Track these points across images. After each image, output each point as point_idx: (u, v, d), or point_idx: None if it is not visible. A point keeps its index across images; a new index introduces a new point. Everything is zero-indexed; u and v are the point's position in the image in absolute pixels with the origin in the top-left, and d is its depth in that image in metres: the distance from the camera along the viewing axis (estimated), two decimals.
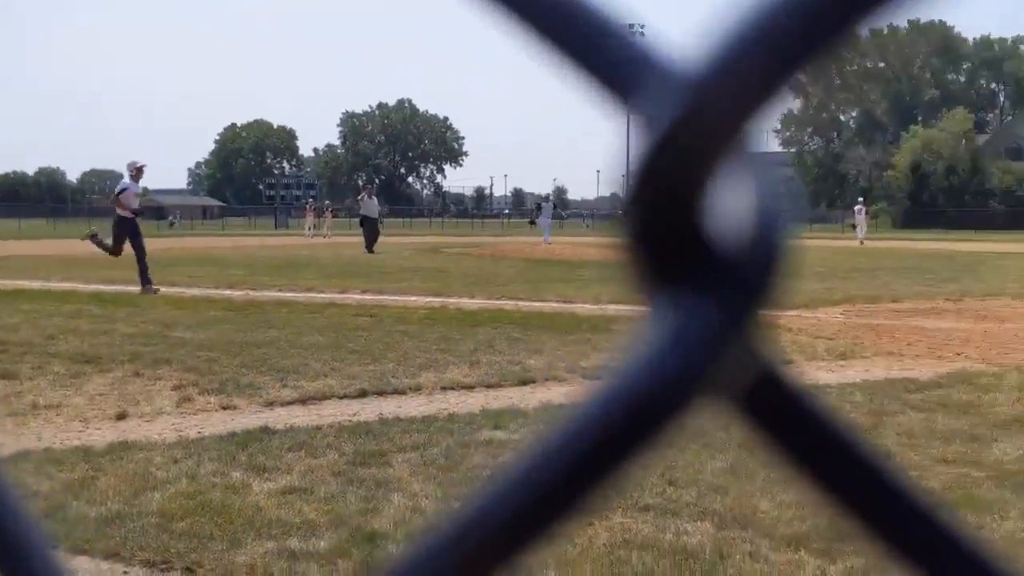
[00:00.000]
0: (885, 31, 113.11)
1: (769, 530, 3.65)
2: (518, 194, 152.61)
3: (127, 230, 13.86)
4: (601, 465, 0.30)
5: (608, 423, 0.30)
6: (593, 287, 14.66)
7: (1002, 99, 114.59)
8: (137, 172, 14.27)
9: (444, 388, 6.57)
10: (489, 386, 6.65)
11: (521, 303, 12.08)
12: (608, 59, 0.29)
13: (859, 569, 3.27)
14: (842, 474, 0.32)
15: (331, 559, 3.45)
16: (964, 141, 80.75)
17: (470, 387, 6.61)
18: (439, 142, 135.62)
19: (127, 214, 13.94)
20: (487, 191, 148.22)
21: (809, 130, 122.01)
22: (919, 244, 38.40)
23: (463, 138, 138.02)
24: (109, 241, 14.25)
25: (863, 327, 9.83)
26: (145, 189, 27.67)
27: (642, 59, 0.29)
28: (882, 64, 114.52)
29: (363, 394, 6.36)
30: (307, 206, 51.73)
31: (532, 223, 32.51)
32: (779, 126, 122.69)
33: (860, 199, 50.86)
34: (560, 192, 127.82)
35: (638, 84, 0.28)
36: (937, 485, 4.22)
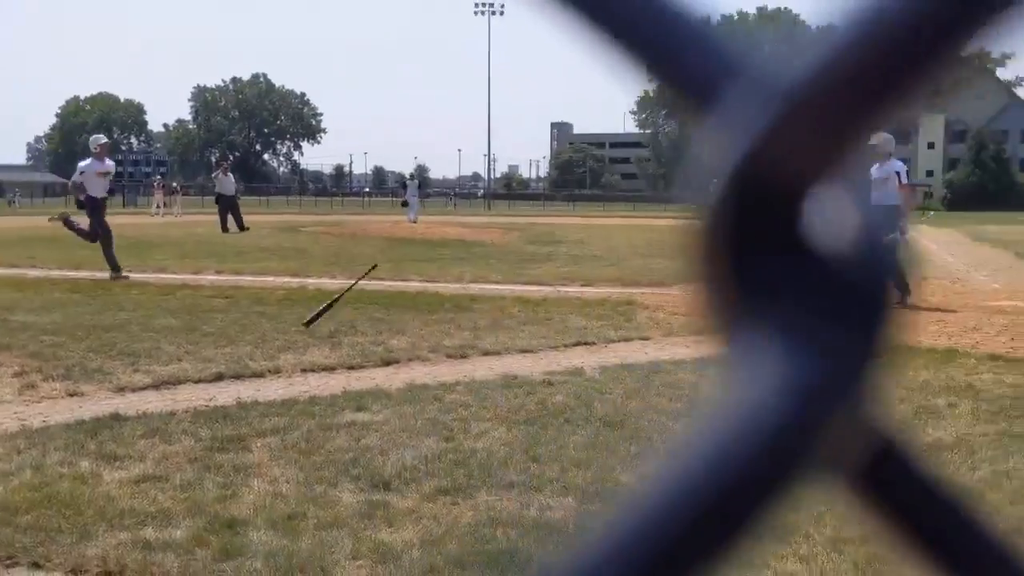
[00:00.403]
0: (735, 17, 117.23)
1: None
2: (379, 172, 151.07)
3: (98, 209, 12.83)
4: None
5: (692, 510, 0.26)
6: (456, 266, 14.68)
7: None
8: (101, 149, 13.10)
9: (304, 370, 6.44)
10: (351, 367, 6.56)
11: (383, 283, 11.96)
12: (696, 63, 0.27)
13: None
14: (962, 552, 0.30)
15: (188, 548, 3.33)
16: None
17: (331, 369, 6.51)
18: (296, 118, 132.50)
19: (97, 194, 12.90)
20: (347, 169, 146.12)
21: (664, 112, 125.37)
22: None
23: (321, 114, 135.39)
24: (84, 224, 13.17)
25: None
26: None
27: (732, 63, 0.27)
28: None
29: (219, 378, 6.16)
30: (156, 184, 49.53)
31: (404, 204, 31.76)
32: (635, 108, 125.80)
33: (713, 180, 52.62)
34: (422, 170, 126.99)
35: (727, 89, 0.26)
36: None
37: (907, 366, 6.61)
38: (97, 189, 12.92)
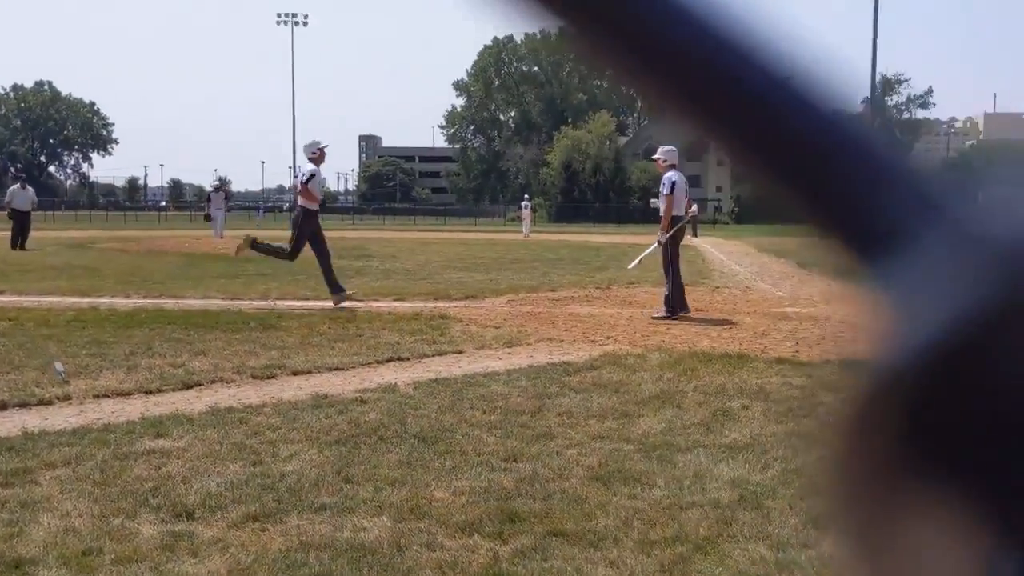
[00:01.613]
0: (539, 36, 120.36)
1: (445, 518, 3.73)
2: (176, 185, 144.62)
3: (313, 226, 11.28)
4: None
5: None
6: (262, 282, 14.22)
7: (640, 103, 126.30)
8: (320, 154, 11.50)
9: (97, 396, 6.03)
10: (149, 392, 6.20)
11: (183, 301, 11.43)
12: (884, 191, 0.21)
13: (529, 547, 3.43)
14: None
15: None
16: (608, 142, 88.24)
17: (127, 394, 6.13)
18: (85, 128, 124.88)
19: (313, 206, 11.35)
20: (141, 182, 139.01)
21: (472, 128, 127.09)
22: (571, 237, 41.38)
23: (112, 124, 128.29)
24: (281, 243, 11.59)
25: (526, 315, 10.38)
26: None
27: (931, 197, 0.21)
28: (536, 68, 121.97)
29: (2, 407, 5.68)
30: None
31: (207, 218, 29.99)
32: (444, 123, 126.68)
33: (526, 196, 53.74)
34: (224, 183, 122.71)
35: (924, 231, 0.21)
36: (594, 461, 4.54)
37: (703, 371, 6.96)
38: (315, 198, 11.55)
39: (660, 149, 10.63)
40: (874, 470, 0.23)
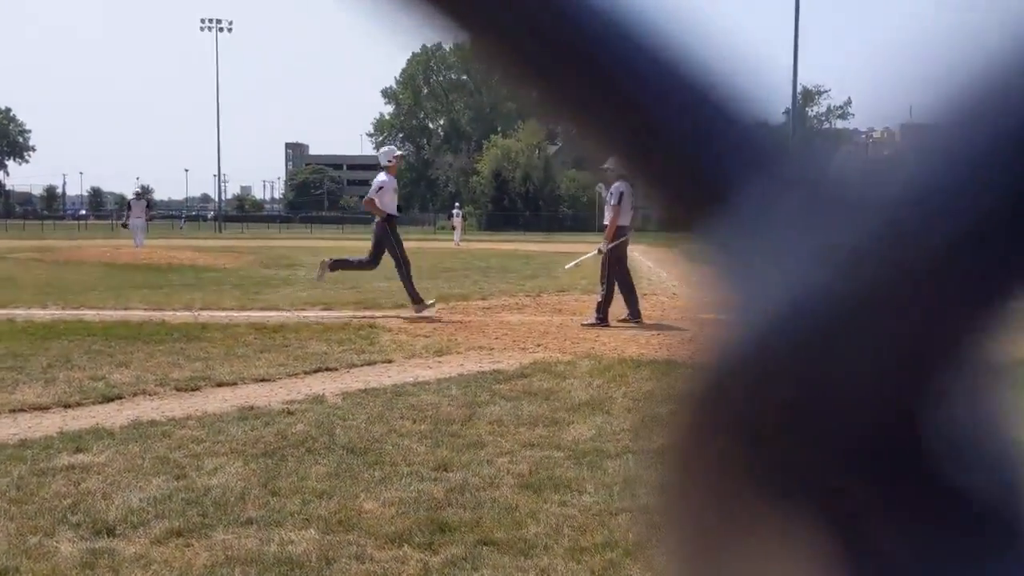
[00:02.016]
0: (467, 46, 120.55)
1: (374, 529, 3.69)
2: (96, 193, 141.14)
3: (387, 233, 10.98)
4: None
5: None
6: (185, 292, 13.94)
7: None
8: (396, 162, 11.19)
9: (13, 411, 5.83)
10: (68, 406, 6.02)
11: (103, 312, 11.13)
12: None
13: (460, 557, 3.41)
14: None
15: None
16: (537, 151, 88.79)
17: (44, 408, 5.94)
18: (0, 134, 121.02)
19: (385, 214, 11.04)
20: (60, 190, 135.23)
21: (400, 135, 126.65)
22: (501, 245, 41.49)
23: (29, 131, 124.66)
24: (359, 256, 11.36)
25: (457, 324, 10.37)
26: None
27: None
28: (465, 76, 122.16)
29: None
30: None
31: (124, 226, 28.73)
32: (372, 130, 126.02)
33: (457, 204, 53.80)
34: (146, 191, 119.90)
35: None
36: (524, 469, 4.55)
37: (632, 378, 7.03)
38: (392, 207, 11.18)
39: (610, 159, 10.67)
40: (711, 472, 0.23)
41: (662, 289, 16.21)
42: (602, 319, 10.31)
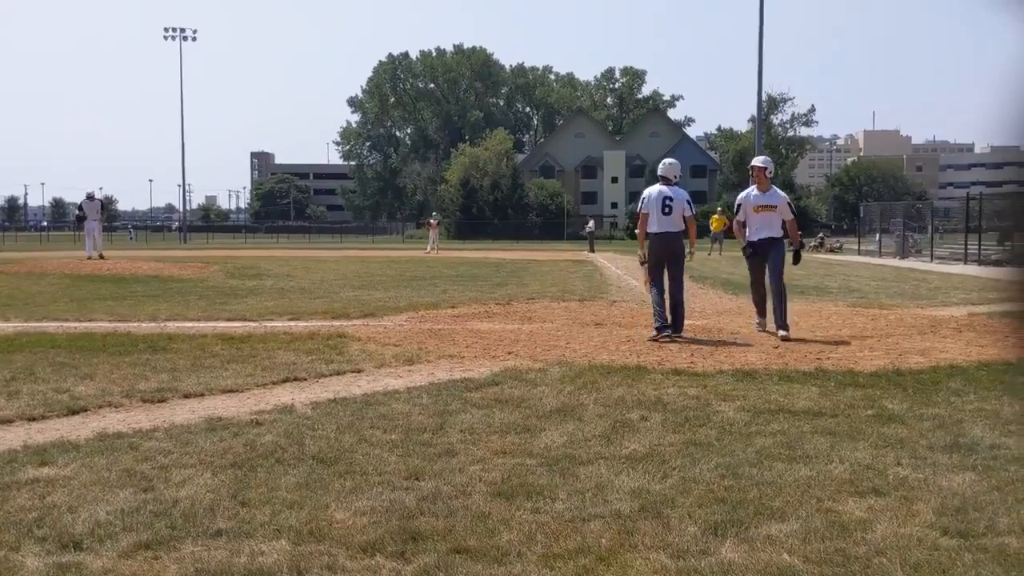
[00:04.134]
0: (434, 53, 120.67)
1: (345, 539, 3.66)
2: (59, 204, 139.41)
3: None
4: None
5: None
6: (151, 303, 13.79)
7: (536, 122, 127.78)
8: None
9: None
10: (32, 419, 5.92)
11: (67, 324, 10.98)
12: None
13: (432, 566, 3.39)
14: None
15: None
16: (505, 159, 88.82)
17: (8, 421, 5.84)
18: None
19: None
20: (21, 201, 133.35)
21: (368, 144, 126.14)
22: (470, 253, 41.46)
23: None
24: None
25: (426, 332, 10.34)
26: None
27: None
28: (432, 85, 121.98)
29: None
30: None
31: (79, 220, 25.89)
32: (339, 139, 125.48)
33: (433, 213, 53.78)
34: (109, 201, 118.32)
35: None
36: (496, 476, 4.54)
37: (603, 384, 7.04)
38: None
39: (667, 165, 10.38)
40: None
41: (631, 296, 16.29)
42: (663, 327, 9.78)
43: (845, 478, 4.50)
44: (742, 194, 10.77)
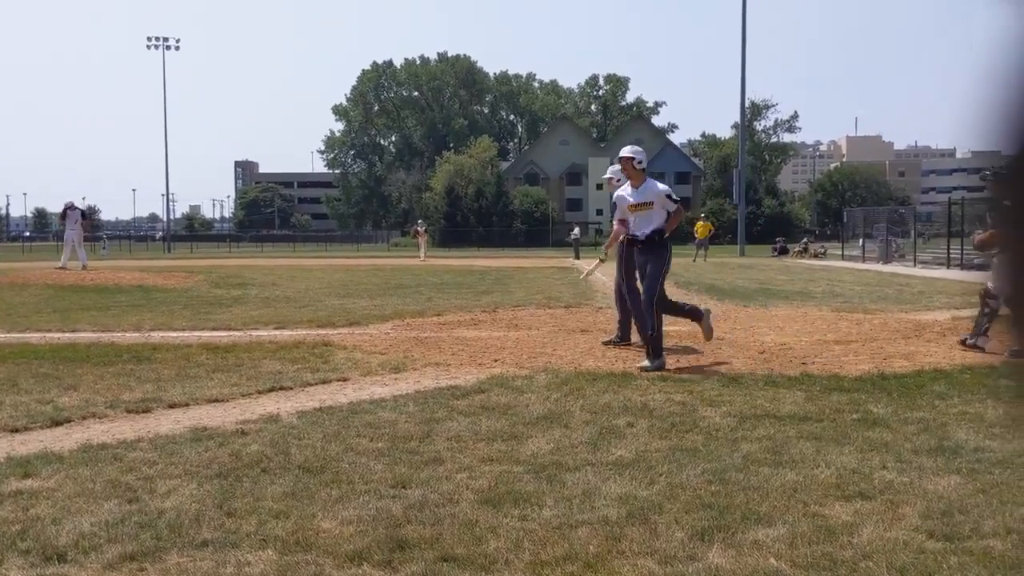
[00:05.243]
0: (418, 61, 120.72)
1: (332, 548, 3.65)
2: (41, 215, 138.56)
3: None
4: None
5: None
6: (134, 313, 13.71)
7: (520, 129, 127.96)
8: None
9: None
10: (14, 430, 5.88)
11: (50, 335, 10.90)
12: None
13: (420, 574, 3.38)
14: None
15: None
16: (490, 167, 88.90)
17: None
18: None
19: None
20: (3, 211, 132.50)
21: (352, 152, 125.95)
22: (455, 261, 41.45)
23: None
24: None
25: (412, 340, 10.32)
26: None
27: None
28: (416, 93, 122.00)
29: None
30: None
31: (63, 216, 25.61)
32: (323, 147, 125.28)
33: (420, 220, 53.82)
34: (93, 211, 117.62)
35: None
36: (483, 484, 4.53)
37: (589, 391, 7.05)
38: None
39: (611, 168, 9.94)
40: None
41: (609, 302, 16.28)
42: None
43: (831, 482, 4.52)
44: (616, 193, 9.27)
